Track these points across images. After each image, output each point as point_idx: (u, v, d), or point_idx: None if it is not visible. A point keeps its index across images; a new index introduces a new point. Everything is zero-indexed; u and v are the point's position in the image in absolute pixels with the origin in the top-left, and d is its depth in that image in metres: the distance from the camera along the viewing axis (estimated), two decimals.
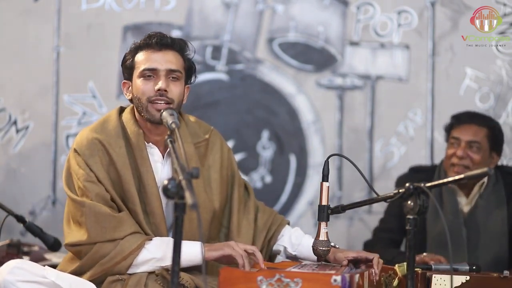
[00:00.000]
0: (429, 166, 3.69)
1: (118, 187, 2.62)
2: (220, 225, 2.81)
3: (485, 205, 3.39)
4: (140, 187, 2.63)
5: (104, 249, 2.55)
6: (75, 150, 2.64)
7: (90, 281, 2.56)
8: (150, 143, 2.69)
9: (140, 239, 2.55)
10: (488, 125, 3.44)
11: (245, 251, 2.55)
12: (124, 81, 2.72)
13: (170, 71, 2.63)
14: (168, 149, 2.64)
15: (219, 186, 2.77)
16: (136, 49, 2.68)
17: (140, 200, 2.62)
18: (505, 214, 3.38)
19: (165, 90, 2.60)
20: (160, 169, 2.68)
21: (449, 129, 3.49)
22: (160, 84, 2.60)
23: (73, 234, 2.60)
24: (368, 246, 3.51)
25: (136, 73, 2.65)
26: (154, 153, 2.68)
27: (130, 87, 2.69)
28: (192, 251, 2.53)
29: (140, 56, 2.66)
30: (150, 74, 2.62)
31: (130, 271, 2.56)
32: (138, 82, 2.64)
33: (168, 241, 2.55)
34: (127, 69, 2.69)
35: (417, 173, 3.49)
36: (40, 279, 2.48)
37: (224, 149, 2.84)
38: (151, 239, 2.58)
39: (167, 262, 2.52)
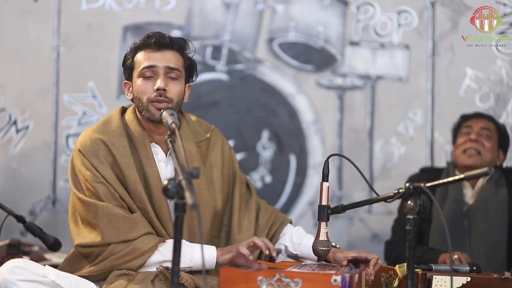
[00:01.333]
0: (440, 168, 3.71)
1: (124, 186, 2.62)
2: (221, 224, 2.81)
3: (487, 196, 3.43)
4: (146, 186, 2.64)
5: (117, 250, 2.55)
6: (79, 151, 2.64)
7: (94, 276, 2.57)
8: (153, 143, 2.69)
9: (154, 240, 2.56)
10: (497, 124, 3.57)
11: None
12: (125, 81, 2.72)
13: (169, 69, 2.63)
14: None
15: (221, 184, 2.78)
16: (135, 49, 2.69)
17: (148, 199, 2.62)
18: (506, 206, 3.42)
19: (164, 90, 2.60)
20: (164, 168, 2.68)
21: (457, 126, 3.58)
22: (159, 83, 2.60)
23: (84, 235, 2.60)
24: (390, 245, 3.49)
25: (135, 73, 2.66)
26: (157, 153, 2.69)
27: (131, 87, 2.69)
28: (207, 257, 2.55)
29: (139, 56, 2.66)
30: (150, 73, 2.63)
31: (141, 271, 2.57)
32: (138, 82, 2.64)
33: (182, 244, 2.56)
34: (127, 69, 2.70)
35: (427, 174, 3.51)
36: (41, 278, 2.48)
37: (225, 148, 2.85)
38: (164, 241, 2.58)
39: (181, 264, 2.53)
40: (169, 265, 2.53)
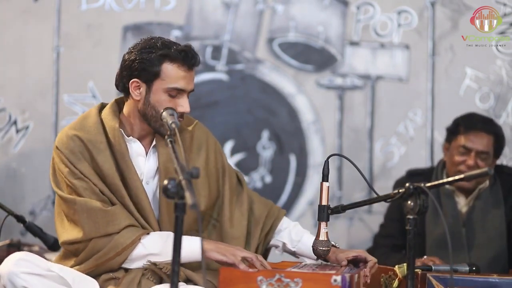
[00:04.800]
0: (426, 169, 3.68)
1: (103, 181, 2.60)
2: (210, 217, 2.78)
3: (482, 205, 3.39)
4: (124, 181, 2.62)
5: (99, 245, 2.54)
6: (57, 148, 2.63)
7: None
8: (131, 137, 2.67)
9: (136, 233, 2.54)
10: (495, 132, 3.42)
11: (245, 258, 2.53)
12: (135, 80, 2.63)
13: (191, 92, 2.65)
14: (154, 144, 2.66)
15: (205, 178, 2.73)
16: (163, 57, 2.59)
17: (127, 193, 2.61)
18: (502, 214, 3.39)
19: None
20: (142, 163, 2.67)
21: (455, 133, 3.44)
22: (186, 107, 2.61)
23: (68, 232, 2.60)
24: (369, 253, 3.46)
25: (161, 85, 2.59)
26: (135, 147, 2.67)
27: (143, 90, 2.62)
28: (192, 247, 2.50)
29: (170, 69, 2.59)
30: (176, 93, 2.61)
31: (124, 266, 2.56)
32: (161, 95, 2.59)
33: (167, 236, 2.54)
34: (147, 72, 2.60)
35: (415, 176, 3.46)
36: (45, 272, 2.47)
37: (210, 142, 2.81)
38: (148, 233, 2.57)
39: (165, 257, 2.51)
40: (153, 258, 2.54)
